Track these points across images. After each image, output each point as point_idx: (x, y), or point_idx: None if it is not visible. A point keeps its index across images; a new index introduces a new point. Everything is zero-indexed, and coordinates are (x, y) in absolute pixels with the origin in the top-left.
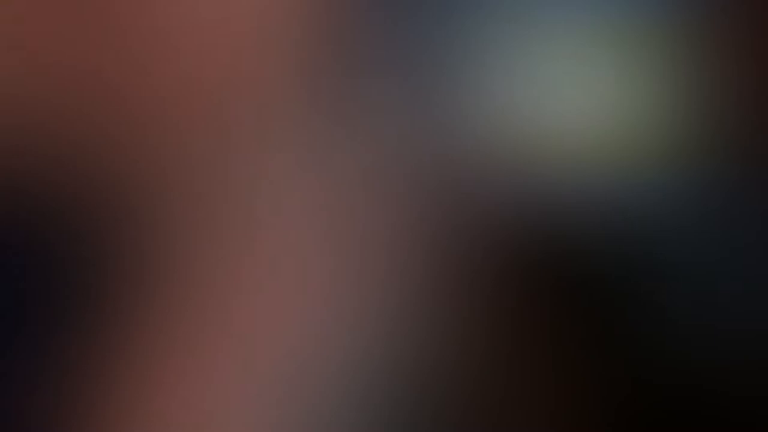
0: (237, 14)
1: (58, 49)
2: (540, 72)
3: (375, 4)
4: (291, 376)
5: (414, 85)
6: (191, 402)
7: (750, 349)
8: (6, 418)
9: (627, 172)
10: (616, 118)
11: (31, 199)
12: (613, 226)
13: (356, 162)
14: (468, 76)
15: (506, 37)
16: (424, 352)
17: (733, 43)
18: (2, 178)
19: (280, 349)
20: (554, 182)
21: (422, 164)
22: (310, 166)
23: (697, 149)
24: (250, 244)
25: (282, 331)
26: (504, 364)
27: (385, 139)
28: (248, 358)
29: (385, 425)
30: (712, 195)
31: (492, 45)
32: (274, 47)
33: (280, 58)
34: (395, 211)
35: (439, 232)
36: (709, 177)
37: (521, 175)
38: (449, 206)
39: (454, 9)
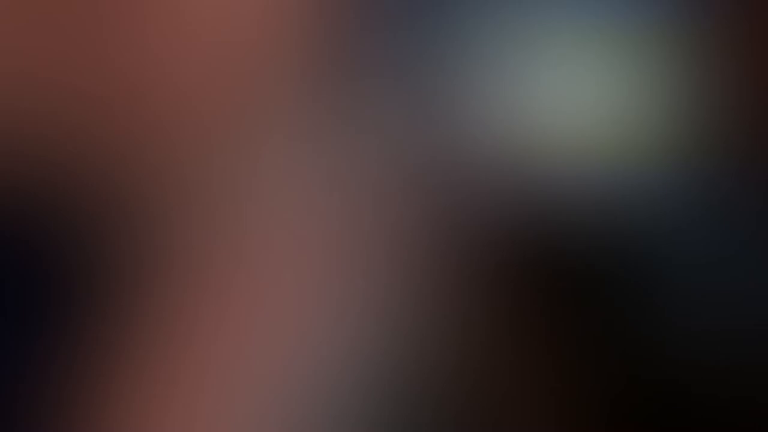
0: (236, 15)
1: (56, 49)
2: (539, 71)
3: (375, 4)
4: (290, 376)
5: (413, 85)
6: (190, 402)
7: (749, 349)
8: (6, 417)
9: (626, 171)
10: (615, 117)
11: (30, 199)
12: (612, 226)
13: (355, 162)
14: (467, 76)
15: (505, 36)
16: (423, 351)
17: (733, 43)
18: (1, 179)
19: (279, 349)
20: (553, 182)
21: (421, 164)
22: (309, 166)
23: (697, 148)
24: (250, 245)
25: (281, 330)
26: (503, 363)
27: (385, 139)
28: (247, 358)
29: (383, 424)
30: (710, 194)
31: (491, 44)
32: (274, 48)
33: (280, 58)
34: (394, 210)
35: (437, 231)
36: (708, 176)
37: (520, 174)
38: (448, 205)
39: (454, 9)
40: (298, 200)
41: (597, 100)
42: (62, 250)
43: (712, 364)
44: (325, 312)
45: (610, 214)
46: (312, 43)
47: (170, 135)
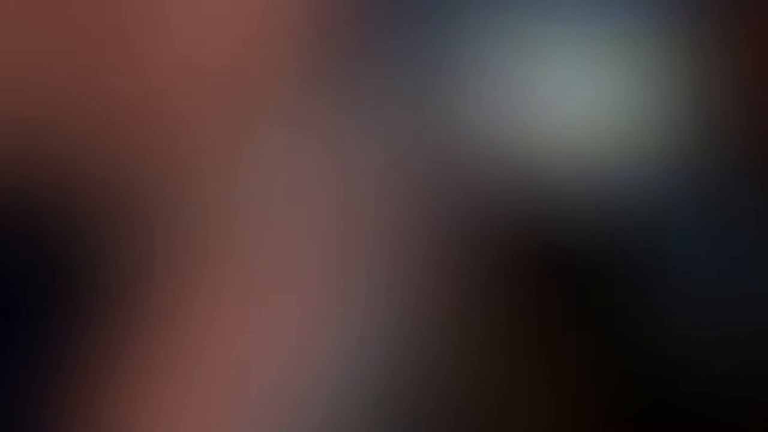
0: (234, 14)
1: (56, 52)
2: (538, 71)
3: (375, 4)
4: (289, 375)
5: (413, 84)
6: (190, 400)
7: (749, 349)
8: (6, 417)
9: (625, 172)
10: (615, 117)
11: (30, 201)
12: (612, 226)
13: (355, 162)
14: (466, 76)
15: (505, 36)
16: (421, 350)
17: (732, 43)
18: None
19: (278, 348)
20: (553, 182)
21: (421, 164)
22: (309, 167)
23: (697, 148)
24: (249, 245)
25: (281, 330)
26: (502, 362)
27: (384, 139)
28: (247, 357)
29: (381, 423)
30: (710, 194)
31: (490, 44)
32: (274, 49)
33: (280, 60)
34: (394, 210)
35: (437, 231)
36: (708, 176)
37: (519, 174)
38: (447, 205)
39: (455, 9)
40: (298, 200)
41: (596, 100)
42: (61, 250)
43: (711, 363)
44: (324, 311)
45: (610, 213)
46: (312, 43)
47: (170, 135)
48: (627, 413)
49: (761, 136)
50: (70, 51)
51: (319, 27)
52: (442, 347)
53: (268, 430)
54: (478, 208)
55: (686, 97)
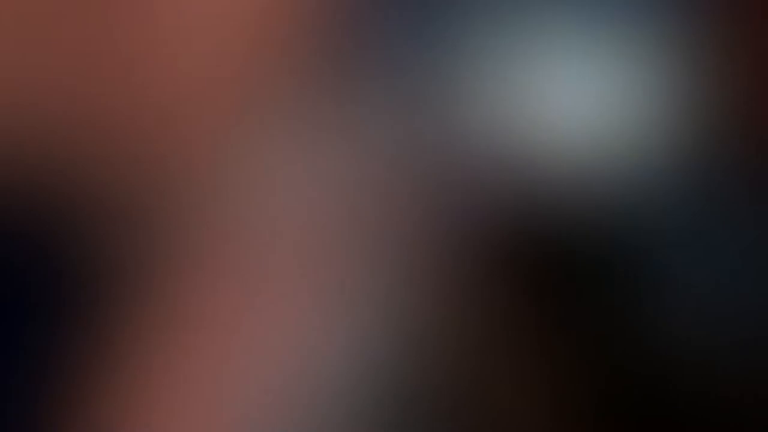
0: (234, 16)
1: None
2: (537, 71)
3: (374, 4)
4: (289, 374)
5: (412, 85)
6: (189, 400)
7: (748, 349)
8: (6, 417)
9: (624, 172)
10: (613, 117)
11: (30, 200)
12: (611, 225)
13: (355, 162)
14: (466, 76)
15: (504, 36)
16: (420, 349)
17: (732, 43)
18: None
19: (278, 348)
20: (552, 182)
21: (420, 164)
22: (308, 167)
23: (695, 148)
24: (249, 245)
25: (280, 329)
26: (500, 362)
27: (384, 139)
28: (246, 359)
29: (379, 423)
30: (710, 194)
31: (489, 44)
32: (274, 49)
33: (280, 60)
34: (393, 210)
35: (436, 231)
36: (706, 176)
37: (519, 173)
38: (447, 205)
39: (456, 9)
40: (298, 201)
41: (596, 101)
42: (61, 250)
43: (710, 363)
44: (323, 311)
45: (609, 213)
46: (312, 43)
47: (170, 136)
48: (625, 413)
49: (761, 136)
50: (72, 51)
51: (319, 29)
52: (442, 347)
53: (268, 430)
54: (478, 208)
55: (685, 97)
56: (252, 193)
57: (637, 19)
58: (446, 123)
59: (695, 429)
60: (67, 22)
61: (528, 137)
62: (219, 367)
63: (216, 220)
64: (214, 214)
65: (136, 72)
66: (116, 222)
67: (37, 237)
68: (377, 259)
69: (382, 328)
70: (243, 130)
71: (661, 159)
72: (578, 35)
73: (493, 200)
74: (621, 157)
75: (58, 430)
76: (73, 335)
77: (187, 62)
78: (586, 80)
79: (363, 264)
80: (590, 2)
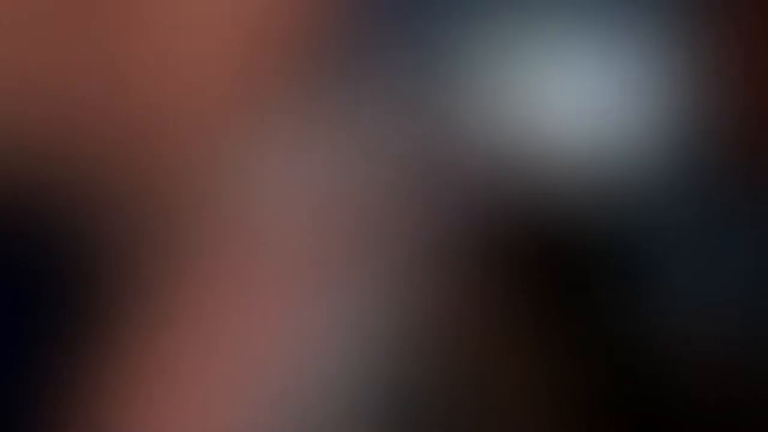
0: (234, 16)
1: (56, 50)
2: (536, 72)
3: (374, 4)
4: (289, 374)
5: (412, 85)
6: (189, 399)
7: (747, 349)
8: (6, 417)
9: (623, 172)
10: (612, 117)
11: (30, 199)
12: (611, 225)
13: (355, 161)
14: (465, 76)
15: (503, 36)
16: (418, 349)
17: (732, 43)
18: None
19: (277, 348)
20: (552, 181)
21: (420, 163)
22: (308, 166)
23: (694, 148)
24: (249, 244)
25: (280, 329)
26: (498, 361)
27: (383, 139)
28: (247, 358)
29: (378, 422)
30: (708, 193)
31: (488, 44)
32: (273, 49)
33: (280, 59)
34: (393, 210)
35: (435, 230)
36: (706, 176)
37: (518, 173)
38: (446, 205)
39: (455, 9)
40: (298, 201)
41: (595, 101)
42: (62, 249)
43: (709, 362)
44: (324, 311)
45: (609, 214)
46: (312, 43)
47: (170, 135)
48: (625, 413)
49: (760, 135)
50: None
51: (319, 29)
52: (441, 346)
53: (268, 430)
54: (478, 207)
55: (685, 97)
56: (252, 193)
57: (637, 20)
58: (446, 123)
59: (695, 429)
60: (66, 23)
61: (528, 137)
62: (219, 367)
63: (215, 219)
64: (214, 213)
65: (136, 72)
66: (116, 222)
67: (37, 236)
68: (377, 258)
69: (382, 328)
70: (243, 129)
71: (661, 159)
72: (578, 35)
73: (493, 200)
74: (621, 157)
75: (58, 430)
76: (73, 335)
77: (187, 62)
78: (586, 80)
79: (363, 264)
80: (590, 2)
